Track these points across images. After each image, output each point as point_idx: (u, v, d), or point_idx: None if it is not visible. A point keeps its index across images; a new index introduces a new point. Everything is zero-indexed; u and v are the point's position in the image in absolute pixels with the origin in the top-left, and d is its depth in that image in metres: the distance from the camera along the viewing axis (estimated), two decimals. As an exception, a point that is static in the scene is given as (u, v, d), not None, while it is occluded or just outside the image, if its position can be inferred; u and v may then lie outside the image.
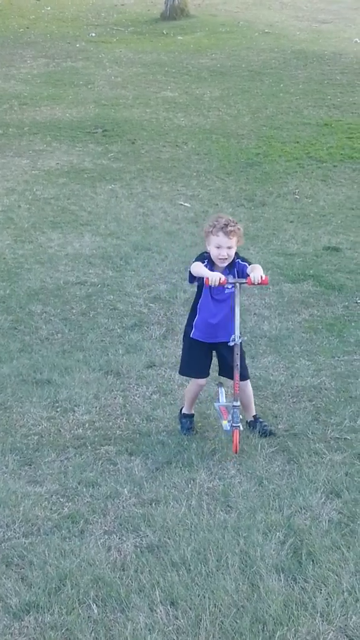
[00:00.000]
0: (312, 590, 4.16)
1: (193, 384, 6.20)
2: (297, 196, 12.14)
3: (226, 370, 6.12)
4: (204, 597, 4.09)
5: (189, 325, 6.20)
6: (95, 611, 4.09)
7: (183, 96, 17.68)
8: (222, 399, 6.21)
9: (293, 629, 3.89)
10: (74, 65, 20.60)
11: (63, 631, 3.98)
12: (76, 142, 14.59)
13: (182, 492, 5.13)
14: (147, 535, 4.67)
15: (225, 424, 5.85)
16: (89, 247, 10.06)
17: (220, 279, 5.69)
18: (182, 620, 3.95)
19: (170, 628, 3.91)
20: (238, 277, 5.97)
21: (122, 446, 5.77)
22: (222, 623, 3.92)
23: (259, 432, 5.98)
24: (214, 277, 5.70)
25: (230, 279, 5.86)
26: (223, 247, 5.81)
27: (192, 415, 6.24)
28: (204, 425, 6.07)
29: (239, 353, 5.87)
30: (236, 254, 6.00)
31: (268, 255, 9.78)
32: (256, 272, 5.84)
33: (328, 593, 4.15)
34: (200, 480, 5.27)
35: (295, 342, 7.54)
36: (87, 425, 6.08)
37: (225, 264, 5.90)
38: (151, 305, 8.39)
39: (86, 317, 8.12)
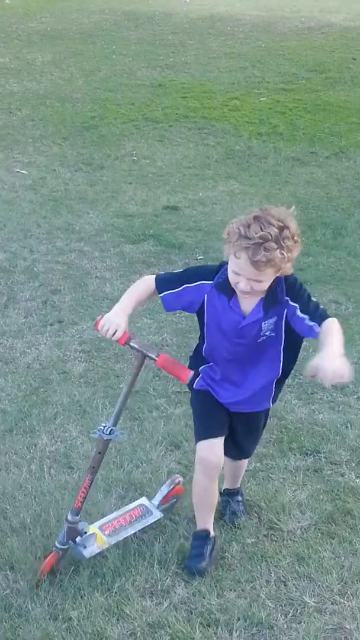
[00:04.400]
0: (150, 540, 4.25)
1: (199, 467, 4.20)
2: (134, 158, 12.15)
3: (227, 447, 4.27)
4: (41, 558, 4.14)
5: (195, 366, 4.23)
6: None
7: (14, 61, 17.41)
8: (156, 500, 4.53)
9: (131, 579, 3.98)
10: None
11: None
12: None
13: (24, 458, 5.13)
14: (-12, 502, 4.68)
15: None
16: None
17: (115, 331, 3.79)
18: (21, 583, 3.98)
19: (7, 592, 3.94)
20: (277, 322, 3.92)
21: None
22: (62, 581, 3.97)
23: (230, 512, 4.58)
24: (107, 323, 3.81)
25: (134, 342, 3.85)
26: (242, 277, 3.71)
27: (206, 535, 4.31)
28: (47, 391, 6.06)
29: (101, 452, 4.03)
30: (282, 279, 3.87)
31: (108, 217, 9.78)
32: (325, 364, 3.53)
33: (166, 541, 4.25)
34: (42, 444, 5.28)
35: (138, 302, 7.58)
36: None
37: (250, 298, 3.86)
38: (-9, 275, 8.29)
39: None
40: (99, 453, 3.98)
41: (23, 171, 11.53)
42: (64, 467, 5.04)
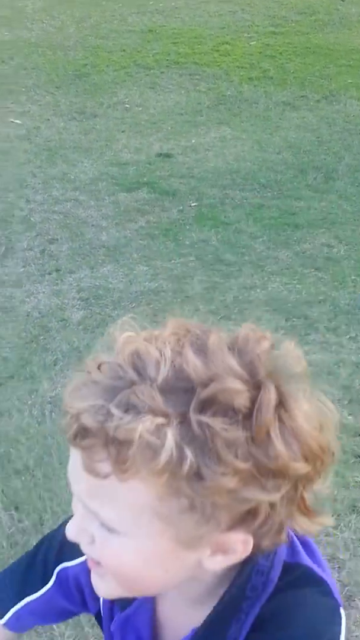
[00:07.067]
0: None
1: None
2: (127, 105, 12.18)
3: None
4: (46, 499, 4.31)
5: None
6: None
7: (4, 9, 17.24)
8: None
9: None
10: None
11: None
12: None
13: (26, 404, 5.29)
14: (-8, 448, 4.85)
15: None
16: None
17: None
18: (26, 522, 4.17)
19: (13, 529, 4.12)
20: None
21: (-35, 366, 5.87)
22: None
23: None
24: None
25: None
26: (74, 503, 1.29)
27: None
28: (46, 338, 6.20)
29: None
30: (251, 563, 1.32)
31: (102, 166, 9.85)
32: None
33: None
34: (43, 390, 5.44)
35: (133, 250, 7.71)
36: None
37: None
38: (-12, 225, 8.40)
39: None
40: None
41: (17, 121, 11.56)
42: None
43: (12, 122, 11.54)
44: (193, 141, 10.73)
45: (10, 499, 4.37)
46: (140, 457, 1.11)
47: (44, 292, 6.94)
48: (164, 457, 1.10)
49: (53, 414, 5.16)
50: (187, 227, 8.20)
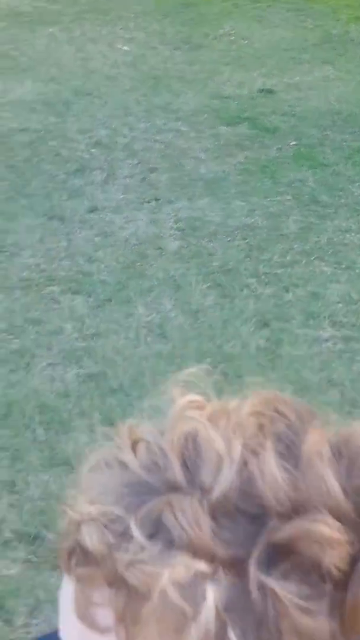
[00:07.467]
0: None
1: None
2: (232, 38, 12.18)
3: None
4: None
5: None
6: (41, 433, 4.55)
7: None
8: None
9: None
10: None
11: (12, 451, 4.43)
12: (11, -16, 14.30)
13: (121, 326, 5.52)
14: (89, 366, 5.09)
15: None
16: (31, 93, 10.05)
17: None
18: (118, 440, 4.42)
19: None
20: None
21: (66, 286, 6.09)
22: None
23: None
24: None
25: None
26: None
27: None
28: (143, 265, 6.41)
29: None
30: None
31: (204, 98, 9.93)
32: None
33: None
34: (138, 314, 5.67)
35: (231, 184, 7.84)
36: (32, 267, 6.36)
37: None
38: (92, 150, 8.54)
39: (29, 164, 8.24)
40: None
41: (125, 47, 11.67)
42: (158, 336, 5.42)
43: (120, 48, 11.66)
44: (296, 79, 10.72)
45: (104, 415, 4.63)
46: (156, 621, 0.70)
47: (142, 220, 7.13)
48: (193, 633, 0.68)
49: (148, 338, 5.39)
50: (285, 166, 8.29)
